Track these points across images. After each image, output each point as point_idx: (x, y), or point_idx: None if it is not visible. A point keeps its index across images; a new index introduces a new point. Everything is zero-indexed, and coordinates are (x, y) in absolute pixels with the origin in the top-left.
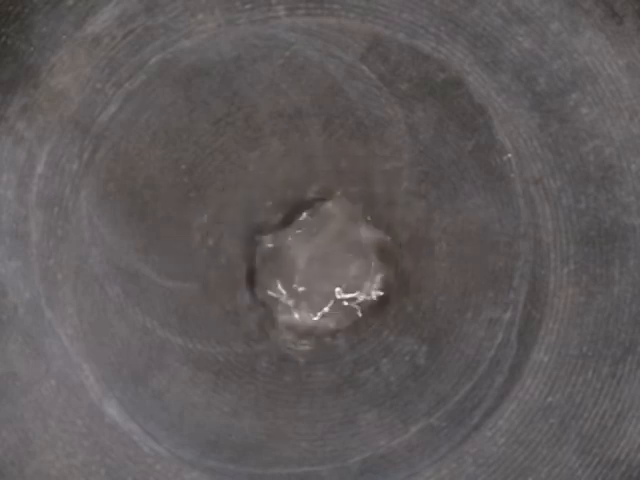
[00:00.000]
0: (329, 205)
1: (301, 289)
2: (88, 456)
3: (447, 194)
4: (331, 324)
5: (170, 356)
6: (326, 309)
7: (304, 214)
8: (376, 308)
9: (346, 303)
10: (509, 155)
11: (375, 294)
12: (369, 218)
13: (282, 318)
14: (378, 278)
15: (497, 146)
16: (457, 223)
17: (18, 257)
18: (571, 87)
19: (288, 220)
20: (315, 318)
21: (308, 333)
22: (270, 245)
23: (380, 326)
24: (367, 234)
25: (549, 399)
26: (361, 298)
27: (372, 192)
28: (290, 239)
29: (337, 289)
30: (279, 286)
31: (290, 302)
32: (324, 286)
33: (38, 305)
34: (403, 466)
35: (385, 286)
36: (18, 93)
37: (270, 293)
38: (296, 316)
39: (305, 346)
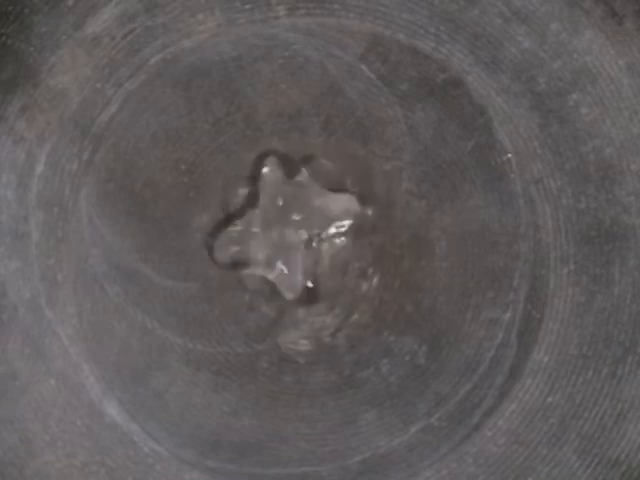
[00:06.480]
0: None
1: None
2: (88, 456)
3: (447, 194)
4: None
5: (170, 356)
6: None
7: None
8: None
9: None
10: (509, 155)
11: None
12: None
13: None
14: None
15: (497, 146)
16: (457, 223)
17: (18, 257)
18: (571, 87)
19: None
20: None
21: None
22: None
23: (380, 326)
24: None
25: (549, 399)
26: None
27: (372, 192)
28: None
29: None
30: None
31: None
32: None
33: (38, 305)
34: (403, 466)
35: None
36: (18, 93)
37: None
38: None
39: (305, 346)
